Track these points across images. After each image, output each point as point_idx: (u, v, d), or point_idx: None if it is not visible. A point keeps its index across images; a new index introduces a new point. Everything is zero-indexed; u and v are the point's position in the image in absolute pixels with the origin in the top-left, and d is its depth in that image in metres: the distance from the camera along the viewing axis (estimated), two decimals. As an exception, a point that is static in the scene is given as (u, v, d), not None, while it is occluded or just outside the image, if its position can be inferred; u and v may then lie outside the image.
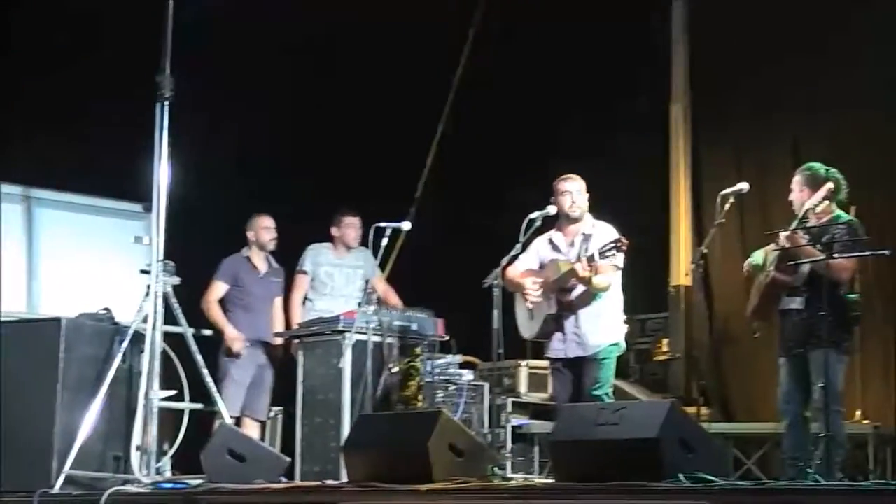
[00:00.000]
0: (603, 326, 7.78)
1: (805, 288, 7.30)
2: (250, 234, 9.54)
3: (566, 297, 7.77)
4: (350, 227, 9.50)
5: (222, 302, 9.46)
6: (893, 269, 9.09)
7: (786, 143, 10.58)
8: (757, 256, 7.65)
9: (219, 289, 9.44)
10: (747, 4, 10.87)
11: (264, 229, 9.52)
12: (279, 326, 9.55)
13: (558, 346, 7.85)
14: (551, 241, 8.00)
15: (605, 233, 7.78)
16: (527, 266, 8.01)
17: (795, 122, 10.64)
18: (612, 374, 7.84)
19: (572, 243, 7.87)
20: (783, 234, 7.28)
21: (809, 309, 7.27)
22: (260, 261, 9.56)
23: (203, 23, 9.34)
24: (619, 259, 7.67)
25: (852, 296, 7.38)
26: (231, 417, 8.70)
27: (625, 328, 7.97)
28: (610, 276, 7.72)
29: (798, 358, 7.36)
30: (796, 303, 7.34)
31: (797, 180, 7.55)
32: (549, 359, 8.03)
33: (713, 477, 5.52)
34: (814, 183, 7.46)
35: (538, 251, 8.04)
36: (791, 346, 7.39)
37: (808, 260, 7.18)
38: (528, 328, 8.03)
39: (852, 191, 9.73)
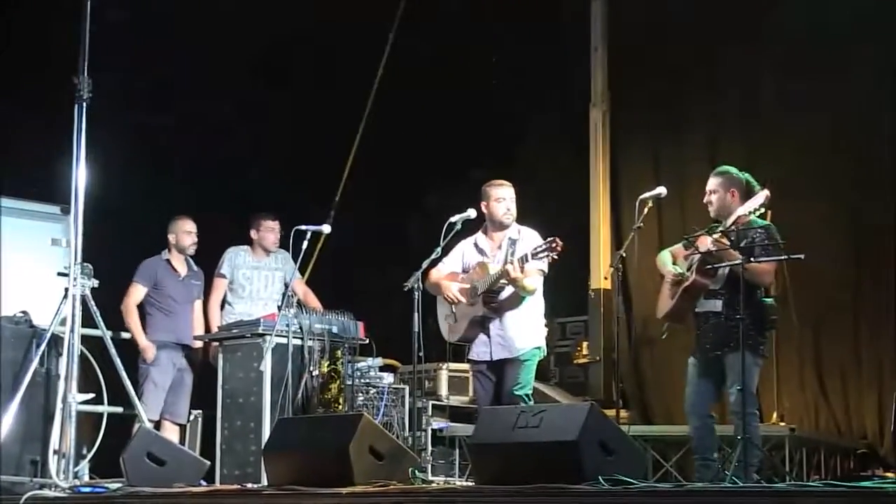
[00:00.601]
0: (527, 329, 7.79)
1: (724, 291, 7.37)
2: (171, 237, 9.48)
3: (493, 299, 7.78)
4: (269, 231, 9.49)
5: (141, 304, 9.38)
6: (808, 273, 9.23)
7: (703, 147, 10.74)
8: (665, 258, 7.68)
9: (138, 292, 9.37)
10: (665, 12, 11.01)
11: (185, 233, 9.46)
12: (199, 329, 9.51)
13: (482, 349, 7.85)
14: (477, 245, 8.01)
15: (531, 237, 7.81)
16: (450, 269, 8.01)
17: (712, 127, 10.82)
18: (533, 377, 7.85)
19: (499, 247, 7.88)
20: (710, 238, 7.31)
21: (728, 312, 7.33)
22: (180, 263, 9.50)
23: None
24: (545, 263, 7.70)
25: (768, 300, 7.45)
26: (150, 421, 8.65)
27: (545, 332, 7.99)
28: (536, 279, 7.74)
29: (713, 360, 7.41)
30: (715, 306, 7.38)
31: (720, 182, 7.53)
32: (471, 361, 8.02)
33: (632, 479, 5.57)
34: (737, 184, 7.52)
35: (463, 254, 8.04)
36: (708, 349, 7.42)
37: (730, 263, 7.21)
38: (451, 331, 8.03)
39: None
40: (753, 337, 7.28)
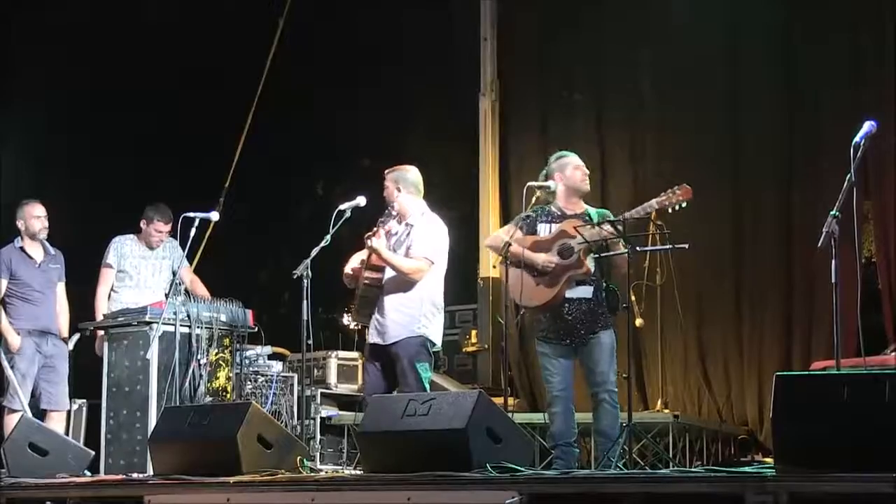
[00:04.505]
0: (406, 317, 7.58)
1: (595, 277, 7.39)
2: (20, 224, 9.22)
3: (376, 278, 7.65)
4: (156, 232, 9.22)
5: None
6: (691, 264, 9.39)
7: (590, 138, 10.88)
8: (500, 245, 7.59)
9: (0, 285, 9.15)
10: (555, 6, 11.15)
11: (34, 218, 9.19)
12: (64, 313, 9.32)
13: (370, 332, 7.72)
14: (382, 224, 7.91)
15: (425, 224, 7.70)
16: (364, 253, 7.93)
17: (599, 119, 10.97)
18: (423, 370, 7.53)
19: (397, 231, 7.81)
20: (606, 226, 7.29)
21: (595, 297, 7.37)
22: (35, 249, 9.25)
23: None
24: (431, 251, 7.63)
25: (614, 286, 7.52)
26: (21, 411, 8.55)
27: (437, 324, 7.71)
28: (416, 263, 7.59)
29: (576, 345, 7.39)
30: (587, 292, 7.36)
31: (582, 166, 7.63)
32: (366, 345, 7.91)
33: (520, 467, 5.62)
34: None
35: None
36: (583, 334, 7.36)
37: (618, 252, 7.27)
38: (353, 313, 7.96)
39: (652, 181, 10.13)
40: (612, 320, 7.41)
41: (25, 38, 10.64)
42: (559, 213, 7.53)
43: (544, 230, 7.51)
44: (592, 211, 7.52)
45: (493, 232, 7.73)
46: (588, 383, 7.43)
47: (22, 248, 9.23)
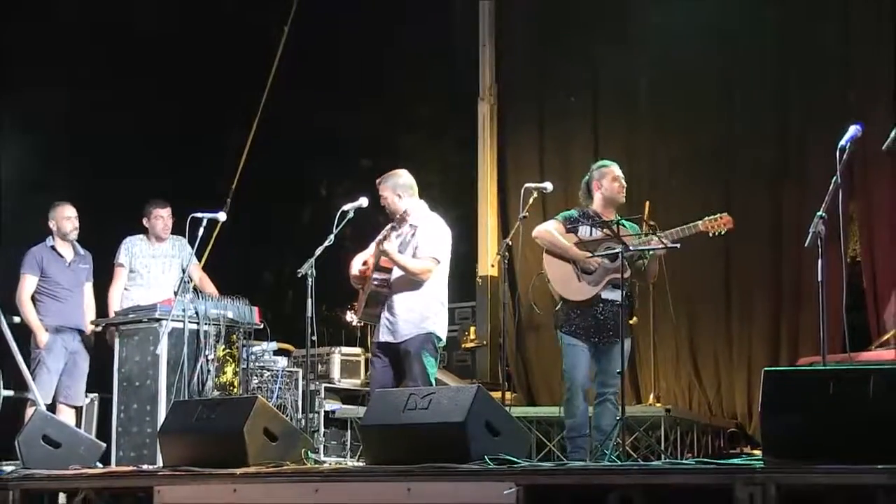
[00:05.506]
0: (414, 315, 7.77)
1: (627, 283, 7.61)
2: (52, 224, 9.41)
3: (384, 279, 7.84)
4: (158, 218, 9.40)
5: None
6: (682, 262, 9.52)
7: (587, 140, 11.00)
8: (557, 236, 7.84)
9: (29, 282, 9.28)
10: (551, 13, 11.27)
11: (66, 219, 9.39)
12: (91, 312, 9.48)
13: (380, 330, 7.86)
14: (392, 229, 8.08)
15: (430, 225, 7.88)
16: (367, 254, 8.11)
17: (594, 121, 11.09)
18: (430, 365, 7.74)
19: (401, 233, 7.98)
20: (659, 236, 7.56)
21: (624, 301, 7.57)
22: (65, 248, 9.44)
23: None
24: (437, 250, 7.80)
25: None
26: (44, 404, 8.69)
27: (442, 322, 7.90)
28: (425, 263, 7.77)
29: (601, 345, 7.65)
30: (619, 295, 7.54)
31: (621, 178, 7.87)
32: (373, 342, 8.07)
33: (517, 459, 5.75)
34: None
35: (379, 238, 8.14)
36: (611, 335, 7.60)
37: (609, 252, 7.52)
38: (357, 310, 8.13)
39: (647, 187, 10.23)
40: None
41: (26, 38, 10.72)
42: (598, 218, 7.76)
43: (586, 232, 7.77)
44: (625, 221, 7.73)
45: (512, 231, 8.02)
46: (598, 382, 7.68)
47: (53, 248, 9.40)
